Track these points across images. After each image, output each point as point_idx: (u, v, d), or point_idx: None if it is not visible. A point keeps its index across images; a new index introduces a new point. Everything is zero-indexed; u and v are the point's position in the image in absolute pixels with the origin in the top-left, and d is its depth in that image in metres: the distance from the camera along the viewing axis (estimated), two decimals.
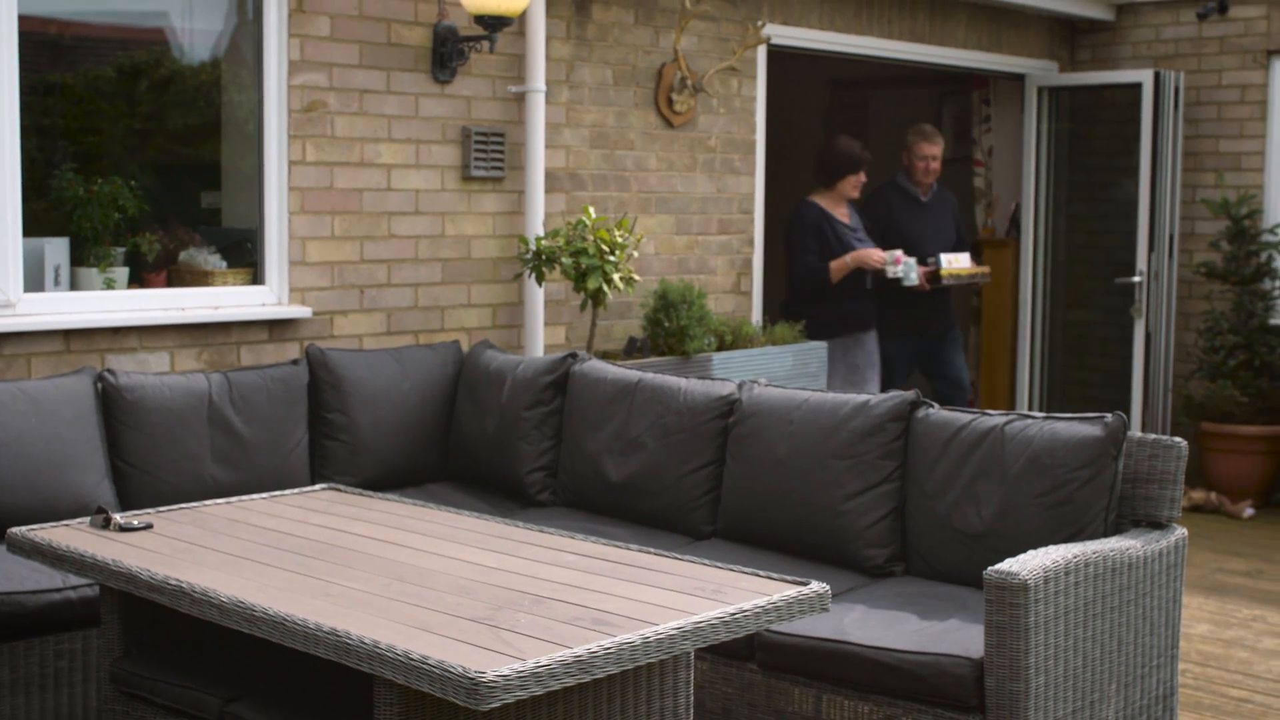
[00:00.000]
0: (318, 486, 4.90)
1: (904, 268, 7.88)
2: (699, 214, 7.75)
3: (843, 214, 8.04)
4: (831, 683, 4.26)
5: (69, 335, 5.55)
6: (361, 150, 6.32)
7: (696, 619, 3.30)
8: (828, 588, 3.62)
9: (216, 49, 6.33)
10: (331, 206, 6.24)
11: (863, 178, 8.02)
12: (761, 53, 8.00)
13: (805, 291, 7.98)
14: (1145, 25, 9.77)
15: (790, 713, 4.37)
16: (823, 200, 8.02)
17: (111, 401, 5.26)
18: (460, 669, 2.89)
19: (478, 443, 5.98)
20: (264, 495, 4.74)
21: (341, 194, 6.27)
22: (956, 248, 8.47)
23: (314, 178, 6.18)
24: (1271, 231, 9.12)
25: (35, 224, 5.62)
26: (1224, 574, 7.34)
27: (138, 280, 5.92)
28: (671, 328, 6.93)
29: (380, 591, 3.54)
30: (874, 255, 7.86)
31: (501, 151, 6.76)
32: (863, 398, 5.04)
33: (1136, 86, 9.31)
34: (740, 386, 5.42)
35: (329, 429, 5.76)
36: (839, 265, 7.84)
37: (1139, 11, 9.77)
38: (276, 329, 6.11)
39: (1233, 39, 9.39)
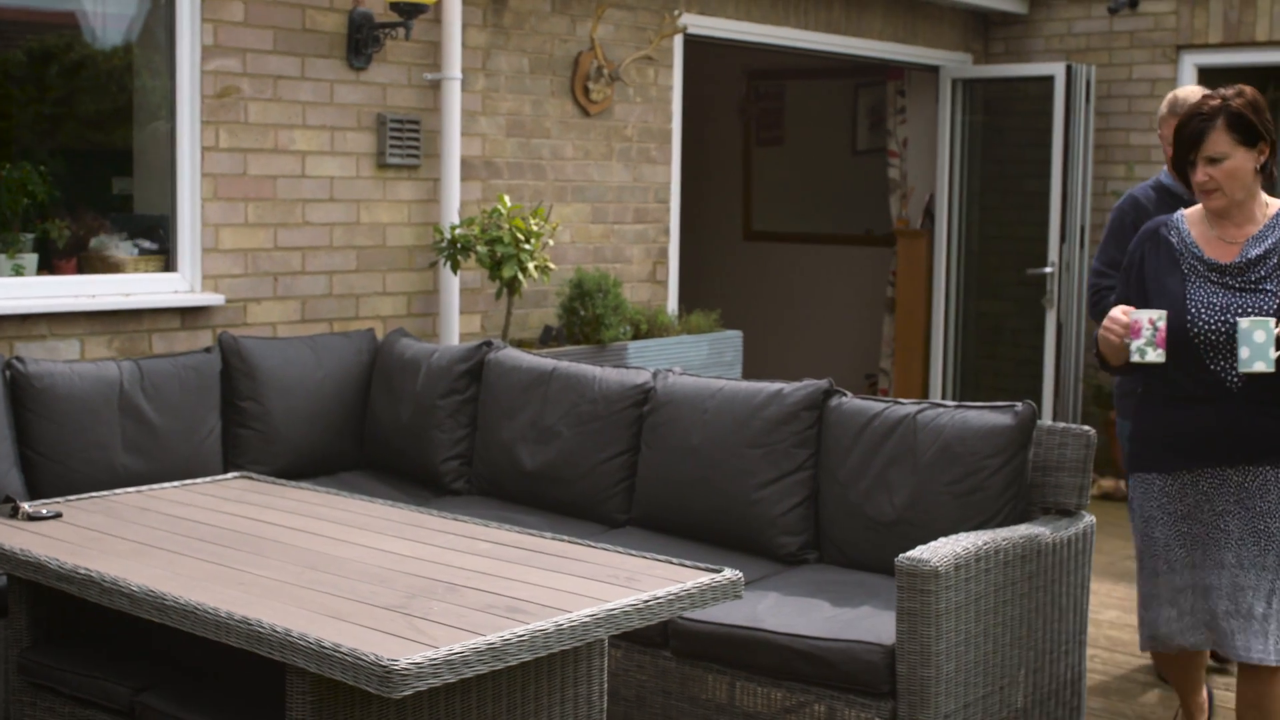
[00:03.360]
0: (230, 475, 4.87)
1: (1143, 340, 4.10)
2: (615, 203, 7.75)
3: (1217, 239, 4.24)
4: (745, 669, 4.28)
5: None
6: (275, 137, 6.27)
7: (610, 606, 3.31)
8: (741, 575, 3.64)
9: (129, 34, 6.25)
10: (245, 193, 6.19)
11: (1199, 174, 4.18)
12: (678, 42, 8.01)
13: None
14: (1058, 19, 9.88)
15: (704, 700, 4.39)
16: (1191, 212, 4.37)
17: (20, 390, 5.20)
18: (373, 657, 2.88)
19: (392, 431, 5.96)
20: (176, 484, 4.71)
21: (255, 181, 6.21)
22: None
23: (227, 164, 6.12)
24: None
25: None
26: (1132, 561, 7.43)
27: (47, 267, 5.84)
28: (587, 316, 6.94)
29: (293, 580, 3.53)
30: (1111, 321, 4.22)
31: (417, 139, 6.73)
32: (775, 386, 5.07)
33: (1049, 79, 9.41)
34: (655, 375, 5.43)
35: (242, 417, 5.71)
36: (1103, 335, 4.26)
37: (1051, 5, 9.88)
38: (189, 317, 6.05)
39: (1143, 34, 9.51)
